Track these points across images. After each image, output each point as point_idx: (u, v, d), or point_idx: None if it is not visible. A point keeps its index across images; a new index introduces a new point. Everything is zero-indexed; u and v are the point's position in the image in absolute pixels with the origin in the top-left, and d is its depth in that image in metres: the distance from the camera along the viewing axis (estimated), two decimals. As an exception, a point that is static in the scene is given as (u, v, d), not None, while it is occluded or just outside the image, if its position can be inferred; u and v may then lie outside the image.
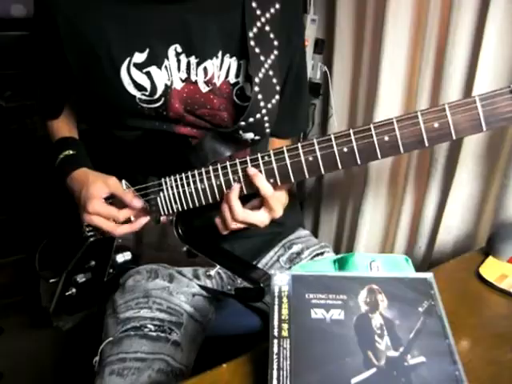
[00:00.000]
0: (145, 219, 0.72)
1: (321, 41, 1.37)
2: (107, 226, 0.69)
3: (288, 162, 0.59)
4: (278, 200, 0.65)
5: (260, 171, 0.61)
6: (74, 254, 0.82)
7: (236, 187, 0.63)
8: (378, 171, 1.16)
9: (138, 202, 0.69)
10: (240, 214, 0.62)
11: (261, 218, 0.64)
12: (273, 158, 0.60)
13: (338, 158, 0.56)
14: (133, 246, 0.77)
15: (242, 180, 0.63)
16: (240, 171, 0.63)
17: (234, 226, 0.64)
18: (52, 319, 0.93)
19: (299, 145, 0.58)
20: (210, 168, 0.65)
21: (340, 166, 0.57)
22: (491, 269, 0.68)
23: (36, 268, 0.88)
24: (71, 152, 0.76)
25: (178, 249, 0.73)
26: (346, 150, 0.55)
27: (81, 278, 0.79)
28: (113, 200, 0.71)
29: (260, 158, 0.61)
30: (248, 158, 0.62)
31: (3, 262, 1.56)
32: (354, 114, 1.32)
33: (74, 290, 0.80)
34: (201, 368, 0.51)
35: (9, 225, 1.52)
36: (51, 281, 0.84)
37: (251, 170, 0.61)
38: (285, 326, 0.44)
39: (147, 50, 0.65)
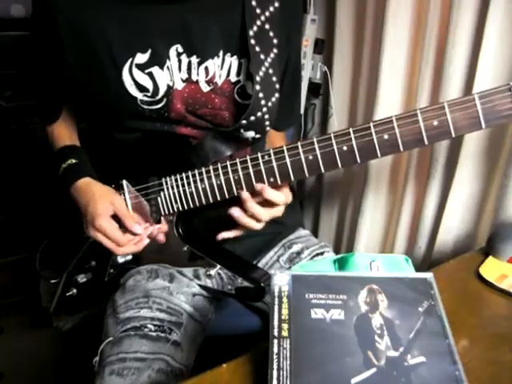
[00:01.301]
0: (147, 241, 0.72)
1: (321, 41, 1.37)
2: (110, 245, 0.69)
3: (288, 160, 0.59)
4: (287, 190, 0.67)
5: (260, 170, 0.61)
6: (74, 254, 0.82)
7: (247, 196, 0.63)
8: (378, 171, 1.16)
9: (138, 229, 0.70)
10: (265, 216, 0.64)
11: (279, 211, 0.66)
12: (273, 157, 0.60)
13: (337, 156, 0.56)
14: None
15: (241, 179, 0.63)
16: (240, 170, 0.63)
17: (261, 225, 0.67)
18: (52, 319, 0.93)
19: (299, 144, 0.58)
20: (211, 168, 0.65)
21: (340, 165, 0.57)
22: (491, 269, 0.68)
23: (37, 268, 0.88)
24: (74, 161, 0.75)
25: (179, 248, 0.73)
26: (345, 148, 0.56)
27: (81, 279, 0.80)
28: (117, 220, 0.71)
29: (260, 158, 0.61)
30: (248, 158, 0.62)
31: (3, 262, 1.56)
32: (354, 114, 1.32)
33: (74, 291, 0.80)
34: (201, 368, 0.51)
35: (9, 225, 1.52)
36: (52, 281, 0.84)
37: (258, 186, 0.62)
38: (285, 326, 0.44)
39: (149, 51, 0.65)
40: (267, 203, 0.64)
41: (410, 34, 1.02)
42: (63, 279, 0.82)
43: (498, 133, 0.85)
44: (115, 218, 0.70)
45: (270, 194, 0.62)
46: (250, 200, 0.63)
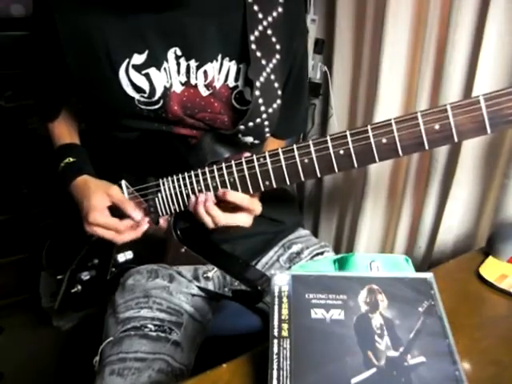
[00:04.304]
0: (146, 226, 0.72)
1: (321, 41, 1.37)
2: (108, 235, 0.70)
3: (283, 163, 0.58)
4: (256, 199, 0.66)
5: (255, 173, 0.61)
6: (77, 253, 0.82)
7: (210, 197, 0.64)
8: (378, 171, 1.16)
9: (137, 215, 0.70)
10: (222, 220, 0.64)
11: (244, 219, 0.66)
12: (268, 160, 0.59)
13: (334, 160, 0.55)
14: (133, 245, 0.77)
15: (237, 182, 0.63)
16: (235, 173, 0.62)
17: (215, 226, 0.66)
18: (52, 319, 0.93)
19: (295, 146, 0.57)
20: (207, 169, 0.65)
21: (336, 169, 0.55)
22: (491, 269, 0.68)
23: (43, 266, 0.89)
24: (71, 159, 0.76)
25: (177, 249, 0.73)
26: (342, 152, 0.54)
27: (85, 276, 0.80)
28: (114, 209, 0.71)
29: (255, 160, 0.61)
30: (243, 160, 0.62)
31: (4, 262, 1.56)
32: (354, 114, 1.32)
33: (79, 287, 0.81)
34: (201, 368, 0.51)
35: (10, 225, 1.52)
36: (58, 277, 0.84)
37: (220, 192, 0.63)
38: (285, 326, 0.44)
39: (146, 52, 0.65)
40: (231, 209, 0.65)
41: (410, 34, 1.02)
42: (67, 276, 0.82)
43: (498, 133, 0.85)
44: (113, 209, 0.71)
45: (232, 195, 0.63)
46: (210, 200, 0.64)
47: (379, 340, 0.43)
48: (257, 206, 0.65)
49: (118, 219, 0.70)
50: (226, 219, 0.65)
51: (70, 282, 0.82)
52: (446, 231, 0.98)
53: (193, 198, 0.66)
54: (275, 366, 0.41)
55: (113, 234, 0.70)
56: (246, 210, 0.65)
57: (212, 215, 0.64)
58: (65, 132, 0.82)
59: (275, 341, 0.43)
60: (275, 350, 0.42)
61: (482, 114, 0.46)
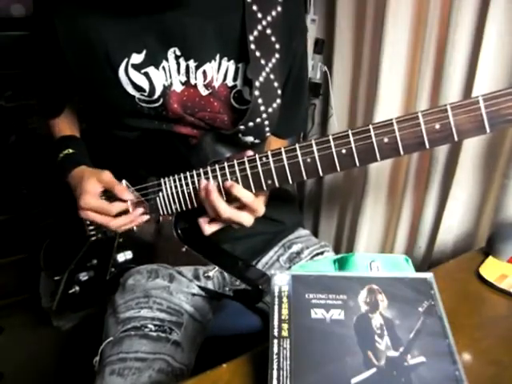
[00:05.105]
0: (141, 210, 0.72)
1: (321, 41, 1.37)
2: (101, 219, 0.70)
3: (286, 163, 0.59)
4: (260, 200, 0.65)
5: (258, 172, 0.61)
6: (76, 253, 0.82)
7: (214, 188, 0.63)
8: (379, 171, 1.16)
9: (128, 195, 0.71)
10: (226, 213, 0.63)
11: (246, 218, 0.65)
12: (271, 159, 0.60)
13: (336, 159, 0.55)
14: (133, 245, 0.78)
15: (239, 181, 0.63)
16: (238, 172, 0.62)
17: (218, 226, 0.66)
18: (52, 319, 0.93)
19: (297, 146, 0.58)
20: (209, 169, 0.65)
21: (338, 168, 0.56)
22: (491, 269, 0.68)
23: (41, 266, 0.89)
24: (71, 151, 0.77)
25: (178, 249, 0.73)
26: (344, 151, 0.54)
27: (83, 276, 0.80)
28: (109, 195, 0.72)
29: (258, 159, 0.61)
30: (246, 159, 0.62)
31: (4, 262, 1.56)
32: (354, 114, 1.32)
33: (77, 288, 0.81)
34: (201, 368, 0.51)
35: (10, 225, 1.52)
36: (56, 278, 0.84)
37: (227, 183, 0.62)
38: (285, 326, 0.44)
39: (144, 51, 0.65)
40: (235, 208, 0.64)
41: (410, 34, 1.02)
42: (65, 277, 0.83)
43: (498, 133, 0.85)
44: (108, 196, 0.71)
45: (239, 190, 0.62)
46: (213, 191, 0.63)
47: (379, 340, 0.43)
48: (260, 207, 0.65)
49: (108, 202, 0.71)
50: (230, 213, 0.63)
51: (68, 283, 0.82)
52: (446, 231, 0.98)
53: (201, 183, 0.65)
54: (275, 366, 0.41)
55: (105, 218, 0.70)
56: (249, 209, 0.64)
57: (216, 207, 0.63)
58: (66, 126, 0.83)
59: (275, 341, 0.43)
60: (275, 349, 0.42)
61: (481, 113, 0.47)
